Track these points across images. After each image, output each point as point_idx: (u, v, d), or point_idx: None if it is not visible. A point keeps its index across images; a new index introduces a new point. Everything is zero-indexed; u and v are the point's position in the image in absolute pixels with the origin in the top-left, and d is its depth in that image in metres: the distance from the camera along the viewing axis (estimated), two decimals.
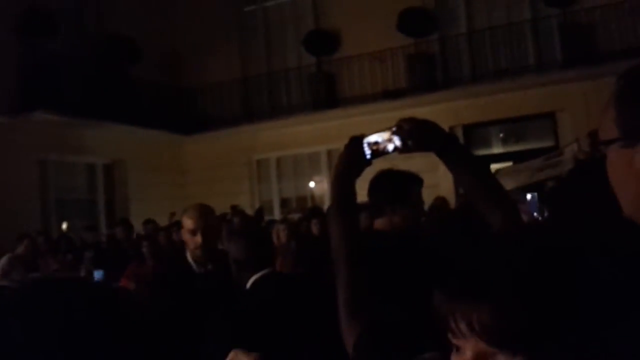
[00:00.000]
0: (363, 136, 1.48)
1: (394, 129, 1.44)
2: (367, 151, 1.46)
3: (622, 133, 0.86)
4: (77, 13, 11.55)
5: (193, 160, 12.96)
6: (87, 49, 11.22)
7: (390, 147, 1.44)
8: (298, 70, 12.50)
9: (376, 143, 1.46)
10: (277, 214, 11.97)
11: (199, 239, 2.79)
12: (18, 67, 9.69)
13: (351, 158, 1.47)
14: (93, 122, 10.41)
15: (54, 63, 10.02)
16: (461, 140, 11.58)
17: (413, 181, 2.46)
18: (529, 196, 5.47)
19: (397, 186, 2.44)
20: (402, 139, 1.43)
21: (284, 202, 12.99)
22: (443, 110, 10.43)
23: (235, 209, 8.91)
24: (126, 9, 11.85)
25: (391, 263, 2.28)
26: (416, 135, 1.43)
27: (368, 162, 1.47)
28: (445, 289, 0.70)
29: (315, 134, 11.76)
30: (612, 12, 9.84)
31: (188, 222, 2.86)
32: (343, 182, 1.49)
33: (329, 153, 12.42)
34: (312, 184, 12.82)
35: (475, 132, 11.62)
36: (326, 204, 8.86)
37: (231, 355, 1.79)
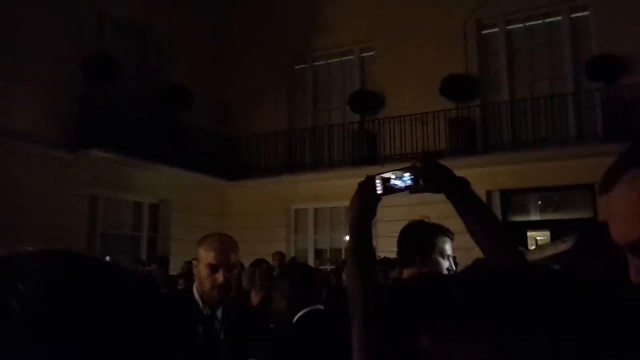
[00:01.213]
0: (377, 173, 1.51)
1: (407, 167, 1.47)
2: (379, 187, 1.49)
3: None
4: (138, 60, 12.32)
5: (234, 206, 13.31)
6: (145, 93, 11.90)
7: (402, 184, 1.46)
8: (342, 126, 12.88)
9: (389, 179, 1.48)
10: (311, 264, 12.12)
11: (220, 277, 2.38)
12: (80, 106, 10.31)
13: (364, 194, 1.48)
14: (143, 163, 10.92)
15: (113, 105, 10.63)
16: (498, 205, 11.72)
17: (442, 233, 2.46)
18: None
19: (425, 236, 2.44)
20: (415, 178, 1.45)
21: (318, 253, 13.14)
22: (481, 174, 10.57)
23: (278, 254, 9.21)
24: (184, 59, 12.60)
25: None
26: (428, 175, 1.45)
27: (378, 198, 1.50)
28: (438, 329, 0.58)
29: (354, 188, 11.95)
30: None
31: (209, 256, 2.41)
32: (359, 223, 1.49)
33: None
34: (346, 237, 12.91)
35: (513, 198, 11.63)
36: None
37: None
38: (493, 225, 1.49)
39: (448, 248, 2.47)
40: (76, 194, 10.24)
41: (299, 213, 13.49)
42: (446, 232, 2.49)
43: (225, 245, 2.44)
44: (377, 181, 1.51)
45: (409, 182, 1.46)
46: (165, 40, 12.56)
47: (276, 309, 2.59)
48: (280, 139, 13.06)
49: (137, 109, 11.36)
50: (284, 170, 12.77)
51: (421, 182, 1.45)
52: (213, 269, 2.39)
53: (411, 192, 1.48)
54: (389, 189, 1.48)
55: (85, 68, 10.55)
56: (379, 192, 1.50)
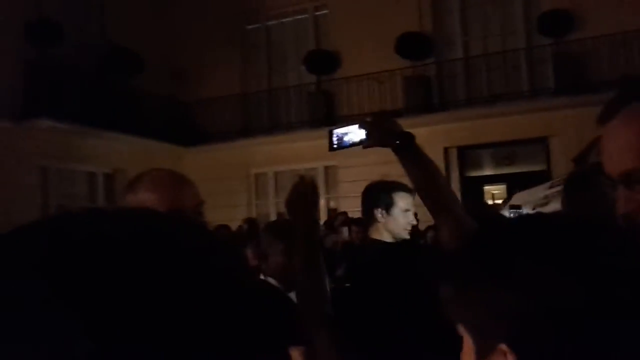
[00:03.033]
0: (335, 127, 1.58)
1: (360, 123, 1.53)
2: (334, 141, 1.55)
3: None
4: (83, 24, 11.78)
5: (191, 172, 12.84)
6: (91, 59, 11.44)
7: (356, 139, 1.52)
8: (298, 88, 12.75)
9: (342, 134, 1.54)
10: None
11: None
12: (24, 74, 9.86)
13: (301, 200, 1.53)
14: (94, 131, 10.58)
15: (58, 71, 10.20)
16: (455, 161, 11.93)
17: (400, 189, 2.56)
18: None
19: (383, 193, 2.57)
20: (367, 133, 1.51)
21: (281, 217, 13.15)
22: (438, 132, 10.71)
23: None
24: (130, 22, 12.11)
25: (396, 271, 2.43)
26: (377, 130, 1.50)
27: (331, 150, 1.57)
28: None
29: (313, 150, 11.96)
30: (603, 42, 10.17)
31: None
32: (307, 239, 1.52)
33: (326, 169, 12.64)
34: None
35: (469, 154, 11.85)
36: (323, 219, 9.06)
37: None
38: (438, 181, 1.53)
39: (408, 203, 2.56)
40: (25, 165, 9.88)
41: (258, 177, 13.41)
42: (404, 188, 2.57)
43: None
44: (333, 136, 1.55)
45: (362, 137, 1.51)
46: (110, 1, 12.05)
47: (275, 267, 2.48)
48: (236, 102, 12.84)
49: (85, 75, 10.93)
50: (240, 134, 12.60)
51: (373, 136, 1.50)
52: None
53: (364, 147, 1.53)
54: (342, 143, 1.54)
55: (28, 34, 10.05)
56: (334, 146, 1.55)
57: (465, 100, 11.43)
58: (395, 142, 1.49)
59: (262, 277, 2.29)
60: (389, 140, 1.49)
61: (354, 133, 1.53)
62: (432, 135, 10.50)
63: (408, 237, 2.66)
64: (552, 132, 10.69)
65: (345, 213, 8.39)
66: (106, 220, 0.39)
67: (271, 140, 12.43)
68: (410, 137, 1.50)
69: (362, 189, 2.76)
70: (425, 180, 1.51)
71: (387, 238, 2.55)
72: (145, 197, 1.46)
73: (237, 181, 12.98)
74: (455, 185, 11.33)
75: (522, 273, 0.59)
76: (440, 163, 11.29)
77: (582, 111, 9.88)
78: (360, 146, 1.53)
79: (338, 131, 1.55)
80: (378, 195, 2.57)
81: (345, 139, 1.54)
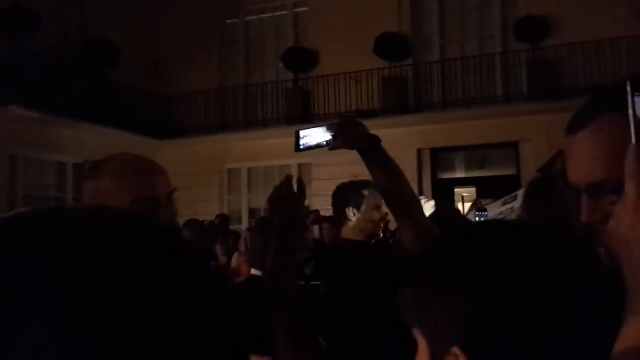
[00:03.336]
0: (301, 128, 1.60)
1: (328, 124, 1.56)
2: (302, 142, 1.57)
3: None
4: (60, 14, 11.56)
5: (165, 165, 12.52)
6: (67, 49, 11.24)
7: (323, 140, 1.54)
8: (275, 84, 12.70)
9: (310, 135, 1.56)
10: (245, 224, 12.08)
11: None
12: None
13: (287, 198, 1.50)
14: (66, 121, 10.38)
15: (32, 60, 9.99)
16: (428, 163, 12.03)
17: (370, 186, 2.57)
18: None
19: (353, 192, 2.62)
20: (334, 135, 1.52)
21: (253, 213, 13.10)
22: (413, 133, 10.80)
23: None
24: (108, 13, 11.92)
25: (363, 270, 2.44)
26: (344, 132, 1.51)
27: (297, 150, 1.59)
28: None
29: (288, 147, 11.83)
30: (577, 50, 10.36)
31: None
32: (283, 242, 1.49)
33: (300, 166, 12.62)
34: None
35: (442, 156, 11.96)
36: None
37: None
38: (402, 184, 1.54)
39: (378, 200, 2.58)
40: None
41: (232, 172, 13.33)
42: (374, 187, 2.60)
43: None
44: (300, 136, 1.56)
45: (328, 139, 1.52)
46: None
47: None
48: (212, 97, 12.74)
49: (60, 65, 10.72)
50: (216, 129, 12.51)
51: (339, 138, 1.51)
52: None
53: (329, 149, 1.54)
54: (309, 144, 1.55)
55: (2, 22, 9.84)
56: (301, 147, 1.56)
57: (440, 103, 11.53)
58: (360, 144, 1.50)
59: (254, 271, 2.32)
60: (354, 142, 1.50)
61: (321, 134, 1.54)
62: (407, 136, 10.58)
63: (381, 234, 2.72)
64: (523, 137, 10.86)
65: (317, 211, 8.38)
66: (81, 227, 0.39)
67: (246, 136, 12.37)
68: (376, 139, 1.52)
69: (334, 187, 2.79)
70: (389, 183, 1.52)
71: (359, 237, 2.58)
72: (110, 185, 1.30)
73: (210, 176, 12.89)
74: (427, 187, 11.44)
75: (480, 279, 0.59)
76: (413, 164, 11.41)
77: (553, 117, 10.04)
78: (326, 147, 1.54)
79: (305, 132, 1.56)
80: (348, 194, 2.62)
81: (312, 140, 1.55)
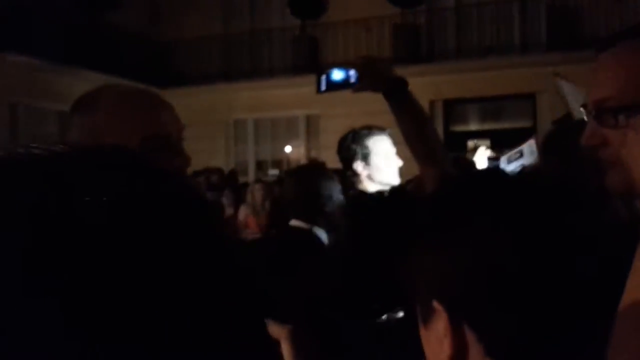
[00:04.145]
0: (325, 66, 1.51)
1: (352, 64, 1.47)
2: (323, 83, 1.48)
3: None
4: None
5: None
6: None
7: (346, 82, 1.45)
8: (282, 31, 12.29)
9: (332, 76, 1.47)
10: (251, 176, 11.93)
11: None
12: None
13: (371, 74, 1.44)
14: (67, 69, 10.15)
15: (31, 5, 9.68)
16: (440, 115, 11.73)
17: (374, 133, 2.47)
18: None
19: (358, 143, 2.46)
20: (358, 76, 1.43)
21: (260, 165, 12.94)
22: (425, 84, 10.39)
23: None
24: None
25: (379, 221, 2.34)
26: (369, 73, 1.43)
27: (319, 92, 1.49)
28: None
29: (295, 97, 11.66)
30: None
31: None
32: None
33: (308, 118, 12.35)
34: (288, 148, 12.77)
35: (455, 107, 11.68)
36: None
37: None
38: (428, 131, 1.50)
39: (387, 146, 2.46)
40: None
41: (238, 124, 13.10)
42: (378, 131, 2.49)
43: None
44: (322, 77, 1.48)
45: (352, 80, 1.44)
46: None
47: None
48: (216, 44, 12.37)
49: (58, 9, 10.41)
50: (220, 78, 12.19)
51: (364, 79, 1.43)
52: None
53: (354, 91, 1.47)
54: (332, 85, 1.47)
55: None
56: (322, 88, 1.49)
57: (454, 52, 11.15)
58: (387, 87, 1.43)
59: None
60: (380, 85, 1.44)
61: (344, 75, 1.45)
62: (419, 87, 10.08)
63: (397, 181, 2.54)
64: (541, 88, 10.49)
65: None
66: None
67: (252, 86, 12.05)
68: (404, 83, 1.45)
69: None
70: (415, 129, 1.46)
71: (373, 188, 2.44)
72: (111, 120, 1.04)
73: (216, 127, 12.65)
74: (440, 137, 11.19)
75: (470, 229, 0.57)
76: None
77: (572, 68, 9.62)
78: (349, 89, 1.46)
79: (327, 72, 1.47)
80: (353, 148, 2.46)
81: (335, 80, 1.46)
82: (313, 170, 2.53)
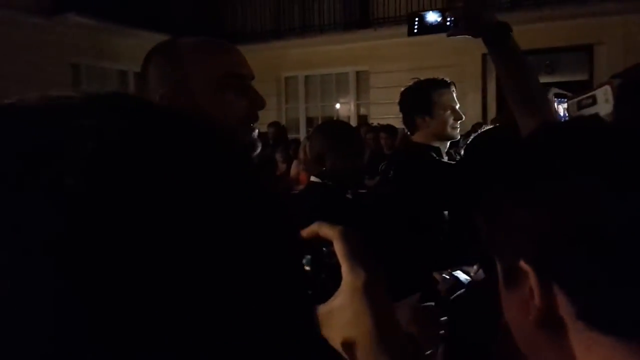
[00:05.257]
0: (419, 11, 1.44)
1: (448, 7, 1.41)
2: (416, 25, 1.41)
3: None
4: None
5: None
6: None
7: (441, 24, 1.38)
8: None
9: (426, 18, 1.40)
10: (302, 133, 12.09)
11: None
12: None
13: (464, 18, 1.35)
14: (123, 29, 10.42)
15: None
16: (493, 68, 11.38)
17: (437, 85, 2.39)
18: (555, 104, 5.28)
19: (419, 95, 2.39)
20: (455, 20, 1.36)
21: (310, 122, 13.06)
22: None
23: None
24: None
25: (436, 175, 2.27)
26: (469, 16, 1.34)
27: (411, 35, 1.42)
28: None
29: (345, 54, 11.63)
30: None
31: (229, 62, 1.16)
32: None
33: (358, 74, 12.32)
34: (338, 105, 12.82)
35: None
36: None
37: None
38: (529, 78, 1.37)
39: (449, 99, 2.39)
40: (56, 62, 9.86)
41: (289, 81, 13.18)
42: (442, 83, 2.40)
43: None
44: (415, 19, 1.41)
45: (448, 24, 1.36)
46: None
47: (334, 169, 2.25)
48: (267, 1, 12.38)
49: None
50: (271, 35, 12.24)
51: (460, 23, 1.35)
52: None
53: (449, 35, 1.38)
54: (426, 27, 1.39)
55: None
56: (415, 30, 1.40)
57: (509, 3, 10.79)
58: (487, 32, 1.33)
59: (314, 179, 2.12)
60: (479, 29, 1.33)
61: (439, 18, 1.38)
62: (471, 39, 9.99)
63: (458, 136, 2.53)
64: (598, 39, 10.11)
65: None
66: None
67: (303, 43, 12.03)
68: (507, 28, 1.33)
69: (393, 95, 2.61)
70: (516, 78, 1.35)
71: (433, 141, 2.40)
72: (190, 64, 1.10)
73: (267, 84, 12.79)
74: (492, 95, 10.97)
75: (569, 184, 0.52)
76: (477, 70, 10.90)
77: (632, 18, 9.27)
78: (444, 34, 1.38)
79: (421, 15, 1.40)
80: (415, 101, 2.40)
81: (429, 23, 1.38)
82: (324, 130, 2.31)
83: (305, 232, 0.60)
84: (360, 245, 0.59)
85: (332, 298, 0.58)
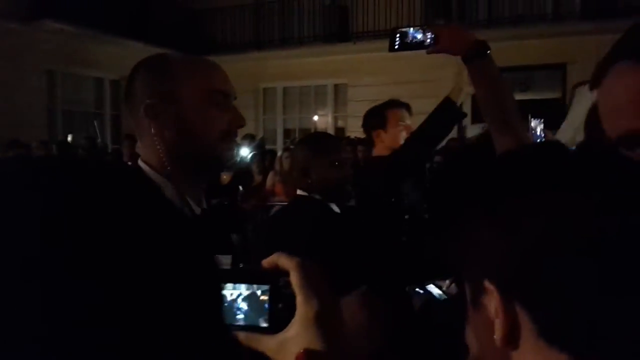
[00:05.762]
0: (399, 27, 1.48)
1: (429, 25, 1.46)
2: (397, 41, 1.44)
3: None
4: None
5: None
6: None
7: (421, 42, 1.42)
8: (312, 0, 12.30)
9: (407, 35, 1.43)
10: (280, 144, 12.08)
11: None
12: None
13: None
14: (103, 36, 10.35)
15: None
16: (469, 83, 11.57)
17: (392, 106, 2.80)
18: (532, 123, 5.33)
19: (376, 112, 2.81)
20: (435, 37, 1.40)
21: (287, 133, 13.07)
22: None
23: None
24: None
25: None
26: (447, 35, 1.40)
27: (392, 50, 1.46)
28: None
29: (324, 67, 11.69)
30: None
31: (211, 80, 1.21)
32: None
33: (336, 87, 12.39)
34: (316, 117, 12.85)
35: None
36: None
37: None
38: (507, 99, 1.40)
39: (402, 117, 2.80)
40: (31, 68, 9.73)
41: (267, 92, 13.20)
42: (396, 104, 2.83)
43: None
44: (396, 35, 1.45)
45: (428, 41, 1.41)
46: None
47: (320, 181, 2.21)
48: (247, 13, 12.41)
49: None
50: (251, 46, 12.27)
51: (441, 41, 1.40)
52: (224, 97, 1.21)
53: (428, 52, 1.42)
54: (407, 44, 1.44)
55: None
56: (396, 46, 1.45)
57: (485, 21, 10.98)
58: (467, 50, 1.37)
59: (300, 192, 2.09)
60: (459, 48, 1.38)
61: (420, 35, 1.42)
62: (448, 55, 10.15)
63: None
64: (571, 58, 10.33)
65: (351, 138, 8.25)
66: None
67: (282, 54, 12.10)
68: (485, 47, 1.38)
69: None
70: (492, 95, 1.39)
71: (388, 152, 2.76)
72: (178, 79, 1.15)
73: (245, 95, 12.78)
74: (468, 108, 11.10)
75: (536, 205, 0.52)
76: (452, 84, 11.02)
77: (604, 39, 9.44)
78: (424, 50, 1.43)
79: (402, 32, 1.44)
80: (372, 117, 2.82)
81: (409, 40, 1.43)
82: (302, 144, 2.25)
83: (266, 262, 0.63)
84: (317, 277, 0.61)
85: (287, 328, 0.61)
